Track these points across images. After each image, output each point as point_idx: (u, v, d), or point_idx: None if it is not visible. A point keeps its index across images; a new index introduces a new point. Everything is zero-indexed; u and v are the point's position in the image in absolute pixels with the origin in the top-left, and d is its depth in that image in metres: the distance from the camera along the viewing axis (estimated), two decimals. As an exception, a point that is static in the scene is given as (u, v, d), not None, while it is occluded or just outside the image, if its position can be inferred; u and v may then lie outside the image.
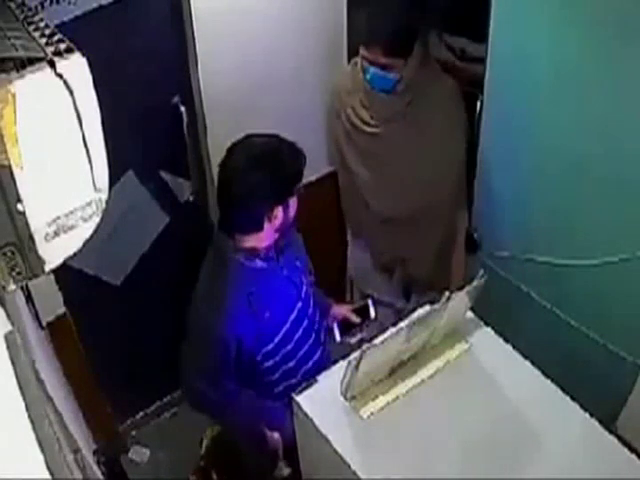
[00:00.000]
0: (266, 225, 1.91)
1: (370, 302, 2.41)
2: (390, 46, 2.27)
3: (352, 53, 2.86)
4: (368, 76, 2.36)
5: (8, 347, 0.94)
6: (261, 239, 1.94)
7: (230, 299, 1.90)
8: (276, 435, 2.13)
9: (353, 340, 2.37)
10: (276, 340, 2.03)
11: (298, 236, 2.18)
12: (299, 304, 2.08)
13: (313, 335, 2.15)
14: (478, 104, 2.43)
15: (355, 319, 2.35)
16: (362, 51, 2.35)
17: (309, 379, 1.89)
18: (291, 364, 2.10)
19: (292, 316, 2.05)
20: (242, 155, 1.89)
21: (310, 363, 2.15)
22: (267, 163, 1.86)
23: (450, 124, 2.47)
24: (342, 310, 2.38)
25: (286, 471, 2.61)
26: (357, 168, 2.62)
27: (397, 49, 2.28)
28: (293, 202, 1.94)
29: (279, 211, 1.90)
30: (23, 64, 0.90)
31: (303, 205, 2.03)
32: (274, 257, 2.00)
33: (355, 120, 2.52)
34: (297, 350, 2.10)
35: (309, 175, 2.33)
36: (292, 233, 2.09)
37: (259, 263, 1.96)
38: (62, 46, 0.94)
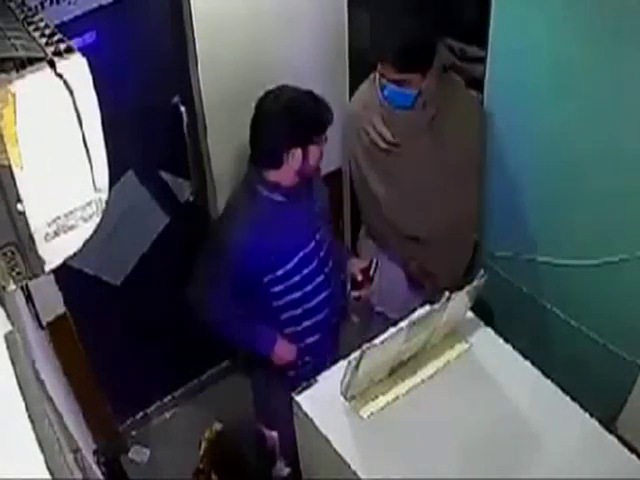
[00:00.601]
0: (285, 164, 2.10)
1: (374, 262, 2.44)
2: (402, 62, 2.22)
3: (353, 53, 2.86)
4: (386, 93, 2.30)
5: (8, 347, 0.94)
6: (282, 176, 2.13)
7: (248, 221, 2.12)
8: (274, 434, 2.13)
9: (354, 294, 2.46)
10: (283, 269, 2.19)
11: (323, 187, 2.35)
12: (312, 244, 2.24)
13: (322, 277, 2.29)
14: None
15: (358, 277, 2.43)
16: (379, 67, 2.29)
17: (312, 317, 2.26)
18: (297, 295, 2.26)
19: (303, 252, 2.22)
20: (270, 97, 2.12)
21: (314, 302, 2.30)
22: (290, 107, 2.08)
23: (475, 138, 2.41)
24: (351, 266, 2.47)
25: (285, 471, 2.61)
26: (378, 187, 2.51)
27: (411, 65, 2.22)
28: (314, 150, 2.11)
29: (297, 153, 2.08)
30: (23, 64, 0.90)
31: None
32: (294, 195, 2.17)
33: (375, 137, 2.41)
34: (304, 285, 2.26)
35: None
36: (316, 181, 2.28)
37: (279, 197, 2.16)
38: (62, 46, 0.94)
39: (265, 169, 2.14)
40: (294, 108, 2.08)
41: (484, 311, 2.31)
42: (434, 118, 2.33)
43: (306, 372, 2.13)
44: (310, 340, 2.37)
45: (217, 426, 2.34)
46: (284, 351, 2.32)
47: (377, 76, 2.33)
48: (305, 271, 2.24)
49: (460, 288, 1.79)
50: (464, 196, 2.46)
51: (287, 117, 2.07)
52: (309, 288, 2.28)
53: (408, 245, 2.59)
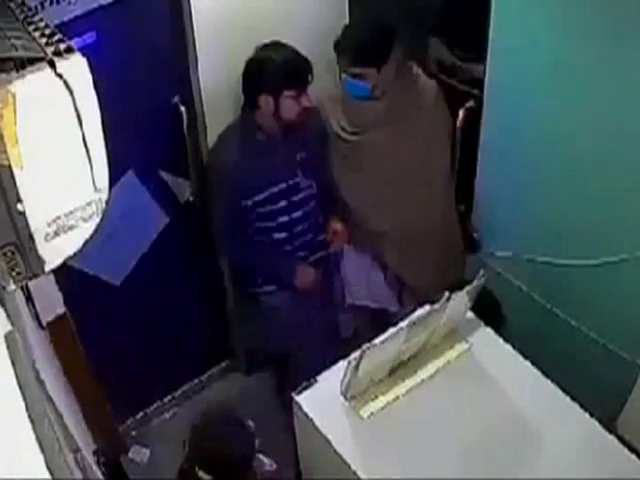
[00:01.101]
0: (259, 108, 2.35)
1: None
2: (357, 56, 2.32)
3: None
4: (345, 85, 2.41)
5: (8, 347, 0.94)
6: (262, 118, 2.38)
7: (232, 143, 2.44)
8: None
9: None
10: (258, 197, 2.45)
11: (318, 143, 2.51)
12: (282, 185, 2.47)
13: (286, 218, 2.52)
14: (460, 113, 2.44)
15: (337, 227, 2.62)
16: (338, 61, 2.40)
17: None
18: (284, 219, 2.52)
19: (272, 190, 2.45)
20: (258, 49, 2.37)
21: (276, 236, 2.54)
22: (262, 57, 2.33)
23: (434, 131, 2.46)
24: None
25: (267, 465, 2.62)
26: (342, 176, 2.57)
27: (366, 59, 2.32)
28: (286, 102, 2.31)
29: (268, 100, 2.31)
30: (23, 64, 0.90)
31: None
32: (274, 139, 2.41)
33: (337, 129, 2.52)
34: (272, 218, 2.51)
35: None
36: (305, 133, 2.45)
37: (261, 136, 2.42)
38: (62, 46, 0.94)
39: (250, 109, 2.38)
40: (265, 59, 2.31)
41: (491, 303, 2.36)
42: (393, 110, 2.41)
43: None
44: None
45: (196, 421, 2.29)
46: (305, 274, 2.58)
47: (338, 69, 2.44)
48: (273, 207, 2.49)
49: (460, 288, 1.79)
50: (428, 191, 2.51)
51: (257, 65, 2.32)
52: (273, 224, 2.53)
53: (374, 238, 2.65)
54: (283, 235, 2.56)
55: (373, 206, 2.56)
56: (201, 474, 1.99)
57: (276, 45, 2.36)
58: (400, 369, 1.83)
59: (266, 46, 2.36)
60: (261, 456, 2.16)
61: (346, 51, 2.35)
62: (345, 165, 2.56)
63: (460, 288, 1.87)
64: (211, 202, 2.57)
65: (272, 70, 2.30)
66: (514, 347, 1.88)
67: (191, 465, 2.02)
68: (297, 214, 2.54)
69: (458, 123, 2.45)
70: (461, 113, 2.43)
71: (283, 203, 2.50)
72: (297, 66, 2.32)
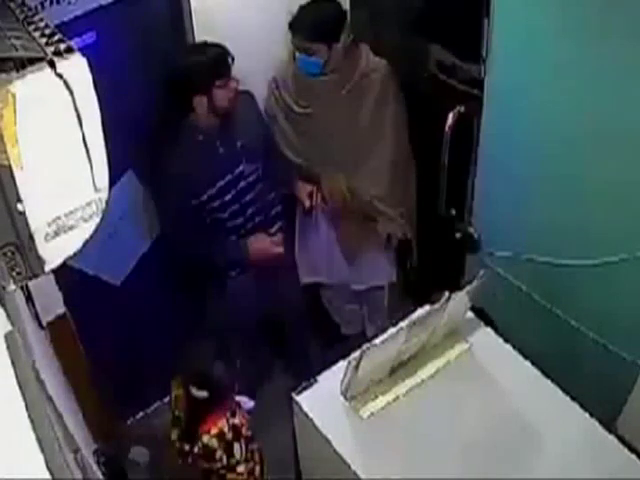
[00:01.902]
0: (195, 109, 2.41)
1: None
2: (311, 33, 2.49)
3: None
4: (298, 62, 2.57)
5: (8, 347, 0.94)
6: (198, 118, 2.44)
7: (179, 155, 2.45)
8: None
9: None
10: (207, 195, 2.52)
11: (254, 126, 2.61)
12: (228, 176, 2.53)
13: (237, 205, 2.59)
14: (450, 117, 2.44)
15: (306, 202, 2.79)
16: (293, 40, 2.55)
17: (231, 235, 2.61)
18: (235, 207, 2.59)
19: (221, 183, 2.53)
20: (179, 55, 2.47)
21: (231, 224, 2.61)
22: (189, 63, 2.38)
23: (380, 107, 2.65)
24: (298, 192, 2.81)
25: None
26: (298, 147, 2.77)
27: (318, 36, 2.49)
28: (218, 93, 2.38)
29: (202, 100, 2.38)
30: (23, 64, 0.90)
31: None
32: (213, 135, 2.48)
33: (290, 102, 2.69)
34: (225, 208, 2.57)
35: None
36: (241, 120, 2.52)
37: (199, 136, 2.47)
38: (62, 46, 0.94)
39: (189, 113, 2.43)
40: (191, 63, 2.37)
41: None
42: (342, 85, 2.60)
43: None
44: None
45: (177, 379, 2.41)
46: (257, 241, 2.64)
47: (292, 47, 2.61)
48: (222, 200, 2.56)
49: (460, 288, 1.79)
50: (363, 162, 2.72)
51: (185, 71, 2.37)
52: (226, 214, 2.59)
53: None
54: (238, 221, 2.63)
55: (325, 167, 2.76)
56: (194, 391, 2.20)
57: (195, 46, 2.45)
58: (400, 369, 1.83)
59: (189, 50, 2.46)
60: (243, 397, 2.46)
61: (300, 28, 2.50)
62: (300, 135, 2.74)
63: None
64: (159, 206, 2.62)
65: (202, 71, 2.36)
66: (514, 347, 1.88)
67: (184, 389, 2.25)
68: (246, 199, 2.61)
69: (447, 127, 2.47)
70: (450, 117, 2.45)
71: (232, 193, 2.56)
72: (220, 59, 2.38)
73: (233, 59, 2.40)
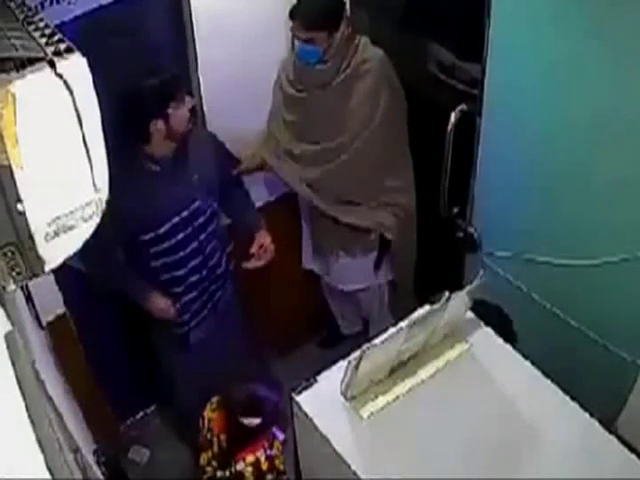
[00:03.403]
0: (151, 137, 2.28)
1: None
2: (311, 21, 2.49)
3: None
4: (296, 49, 2.57)
5: (8, 347, 0.94)
6: (155, 147, 2.32)
7: (128, 187, 2.11)
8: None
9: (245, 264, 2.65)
10: (155, 233, 2.39)
11: (209, 160, 2.49)
12: (185, 213, 2.42)
13: (196, 243, 2.49)
14: (452, 116, 2.44)
15: (252, 248, 2.64)
16: (290, 26, 2.53)
17: (186, 280, 2.51)
18: (171, 258, 2.47)
19: (175, 219, 2.41)
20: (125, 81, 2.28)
21: (189, 266, 2.51)
22: (136, 90, 2.24)
23: (370, 98, 2.64)
24: (259, 237, 2.66)
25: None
26: (286, 126, 2.75)
27: (318, 24, 2.49)
28: (175, 115, 2.26)
29: (158, 124, 2.26)
30: (23, 64, 0.90)
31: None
32: (169, 166, 2.36)
33: (288, 88, 2.69)
34: (178, 249, 2.46)
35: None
36: (196, 153, 2.42)
37: (155, 167, 2.36)
38: (62, 46, 0.94)
39: (143, 144, 2.32)
40: (134, 90, 2.23)
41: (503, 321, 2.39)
42: (337, 74, 2.60)
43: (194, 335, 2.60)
44: (185, 299, 2.57)
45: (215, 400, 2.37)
46: (158, 301, 2.50)
47: (290, 36, 2.58)
48: (179, 237, 2.44)
49: (460, 288, 1.79)
50: (364, 159, 2.70)
51: (132, 99, 2.24)
52: (182, 254, 2.48)
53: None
54: (198, 260, 2.53)
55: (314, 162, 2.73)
56: (245, 419, 2.14)
57: (146, 70, 2.30)
58: (400, 369, 1.83)
59: (139, 74, 2.29)
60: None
61: (301, 16, 2.48)
62: (288, 114, 2.73)
63: None
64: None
65: (157, 94, 2.24)
66: (514, 347, 1.88)
67: (228, 413, 2.20)
68: (202, 236, 2.51)
69: (449, 126, 2.47)
70: (453, 116, 2.45)
71: (188, 230, 2.46)
72: (173, 79, 2.27)
73: (181, 80, 2.34)
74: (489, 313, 2.09)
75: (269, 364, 3.16)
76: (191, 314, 2.61)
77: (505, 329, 2.35)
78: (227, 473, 2.22)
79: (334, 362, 1.85)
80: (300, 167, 2.76)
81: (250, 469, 2.18)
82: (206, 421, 2.31)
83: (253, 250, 2.63)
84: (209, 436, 2.30)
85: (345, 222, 2.81)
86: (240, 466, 2.18)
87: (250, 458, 2.18)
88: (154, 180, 2.35)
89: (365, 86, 2.63)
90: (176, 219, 2.41)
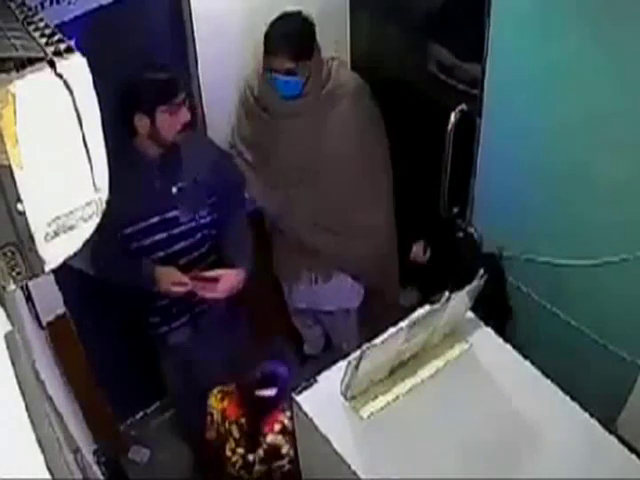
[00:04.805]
0: (138, 131, 2.25)
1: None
2: (295, 50, 2.40)
3: (355, 55, 2.86)
4: (277, 85, 2.45)
5: (8, 347, 0.94)
6: (141, 144, 2.29)
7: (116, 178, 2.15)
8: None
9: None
10: (131, 229, 2.36)
11: (204, 173, 2.40)
12: (156, 219, 2.37)
13: (162, 254, 2.43)
14: (452, 116, 2.45)
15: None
16: (268, 62, 2.43)
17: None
18: (160, 254, 2.43)
19: (147, 223, 2.37)
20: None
21: (182, 260, 2.44)
22: (131, 79, 2.22)
23: (359, 127, 2.58)
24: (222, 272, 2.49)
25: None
26: (254, 161, 2.66)
27: (302, 52, 2.42)
28: (162, 118, 2.22)
29: (143, 120, 2.22)
30: (23, 64, 0.90)
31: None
32: (153, 169, 2.33)
33: (259, 112, 2.59)
34: (150, 251, 2.41)
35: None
36: (181, 160, 2.35)
37: (140, 162, 2.31)
38: (62, 46, 0.94)
39: (133, 138, 2.28)
40: (132, 79, 2.21)
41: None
42: (317, 102, 2.51)
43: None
44: (157, 303, 2.52)
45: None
46: (165, 273, 2.40)
47: (263, 71, 2.48)
48: (155, 238, 2.40)
49: (460, 288, 1.79)
50: (336, 188, 2.61)
51: (125, 86, 2.21)
52: (154, 257, 2.43)
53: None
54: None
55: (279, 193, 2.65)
56: (261, 392, 2.13)
57: (148, 66, 2.27)
58: (400, 369, 1.83)
59: (141, 68, 2.27)
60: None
61: (283, 48, 2.39)
62: (258, 138, 2.62)
63: None
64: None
65: (146, 89, 2.21)
66: (514, 347, 1.88)
67: (241, 394, 2.19)
68: (177, 247, 2.45)
69: (449, 126, 2.47)
70: (453, 116, 2.45)
71: (162, 236, 2.41)
72: (169, 83, 2.23)
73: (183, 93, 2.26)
74: (484, 263, 2.08)
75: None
76: (162, 318, 2.56)
77: (497, 277, 2.41)
78: (260, 452, 2.19)
79: (333, 362, 1.85)
80: (267, 188, 2.68)
81: (280, 436, 2.16)
82: (216, 414, 2.29)
83: (212, 275, 2.46)
84: (226, 426, 2.27)
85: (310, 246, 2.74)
86: (270, 438, 2.16)
87: (277, 426, 2.16)
88: (139, 175, 2.29)
89: (340, 111, 2.55)
90: (153, 220, 2.38)
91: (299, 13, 2.44)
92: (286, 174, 2.63)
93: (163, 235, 2.42)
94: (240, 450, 2.26)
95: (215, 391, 2.32)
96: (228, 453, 2.28)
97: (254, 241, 2.59)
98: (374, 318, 3.00)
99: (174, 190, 2.37)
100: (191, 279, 2.41)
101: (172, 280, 2.39)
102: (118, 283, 2.43)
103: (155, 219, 2.38)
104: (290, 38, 2.41)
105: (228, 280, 2.46)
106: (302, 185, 2.62)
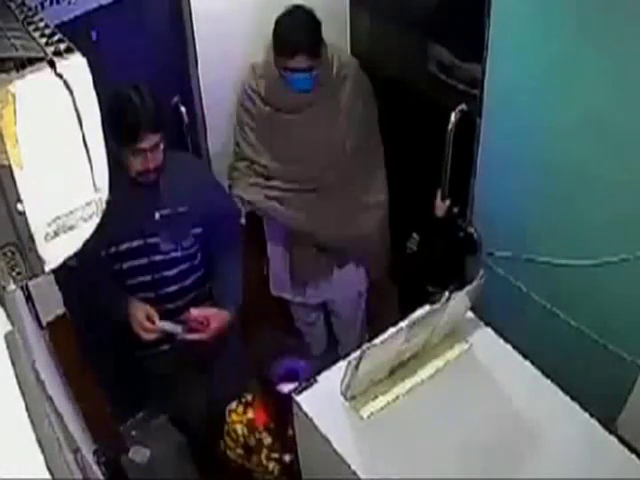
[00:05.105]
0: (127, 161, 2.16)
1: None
2: (315, 48, 2.44)
3: (355, 54, 2.86)
4: (294, 83, 2.48)
5: (8, 347, 0.94)
6: (130, 168, 2.20)
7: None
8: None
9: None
10: (108, 251, 2.31)
11: (190, 200, 2.33)
12: (138, 242, 2.32)
13: (149, 277, 2.38)
14: (452, 116, 2.45)
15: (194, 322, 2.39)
16: (283, 62, 2.44)
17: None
18: (128, 282, 2.37)
19: (127, 245, 2.31)
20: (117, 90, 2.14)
21: (139, 297, 2.37)
22: (111, 108, 2.01)
23: (360, 115, 2.63)
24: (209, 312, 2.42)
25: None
26: (262, 152, 2.65)
27: (319, 49, 2.46)
28: (128, 157, 2.14)
29: (114, 149, 2.04)
30: (23, 64, 0.90)
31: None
32: (139, 189, 2.24)
33: (269, 112, 2.59)
34: (127, 277, 2.37)
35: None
36: (167, 188, 2.28)
37: (122, 185, 2.11)
38: (62, 46, 0.94)
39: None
40: (114, 111, 2.05)
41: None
42: (326, 88, 2.55)
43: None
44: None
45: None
46: (137, 312, 2.32)
47: (278, 71, 2.48)
48: (135, 263, 2.35)
49: (460, 288, 1.79)
50: (345, 170, 2.65)
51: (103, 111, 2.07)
52: (133, 282, 2.38)
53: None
54: (149, 295, 2.40)
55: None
56: (286, 388, 2.02)
57: (117, 88, 2.14)
58: (400, 369, 1.83)
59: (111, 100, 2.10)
60: None
61: (303, 48, 2.40)
62: (268, 140, 2.63)
63: None
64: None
65: (111, 134, 2.08)
66: (514, 347, 1.88)
67: (273, 396, 2.10)
68: (162, 274, 2.40)
69: (450, 125, 2.47)
70: (453, 116, 2.45)
71: (143, 261, 2.36)
72: (130, 115, 2.11)
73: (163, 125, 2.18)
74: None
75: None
76: (144, 345, 2.45)
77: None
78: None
79: (334, 362, 1.85)
80: (280, 192, 2.67)
81: None
82: (240, 429, 2.22)
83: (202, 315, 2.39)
84: (256, 436, 2.21)
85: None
86: None
87: None
88: (117, 196, 2.21)
89: (347, 91, 2.60)
90: (135, 243, 2.32)
91: (303, 8, 2.45)
92: (304, 172, 2.64)
93: (144, 260, 2.36)
94: (275, 455, 2.22)
95: (233, 406, 2.26)
96: (264, 462, 2.23)
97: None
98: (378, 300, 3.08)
99: (157, 216, 2.31)
100: (175, 321, 2.35)
101: (142, 325, 2.32)
102: (97, 303, 2.38)
103: (137, 242, 2.33)
104: (306, 37, 2.43)
105: (218, 320, 2.39)
106: (319, 185, 2.65)
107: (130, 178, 2.22)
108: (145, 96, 2.11)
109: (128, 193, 2.16)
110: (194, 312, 2.39)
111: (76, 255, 1.08)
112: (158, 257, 2.37)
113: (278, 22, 2.43)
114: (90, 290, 2.35)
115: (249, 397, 2.27)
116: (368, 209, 2.76)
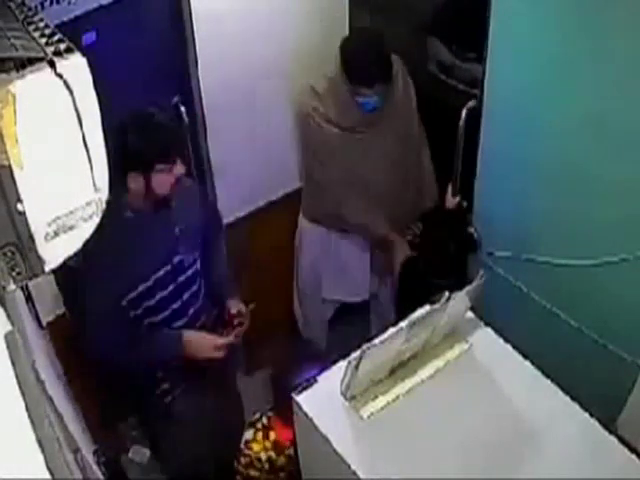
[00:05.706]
0: (131, 189, 2.08)
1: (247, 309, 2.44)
2: (389, 75, 2.50)
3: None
4: (368, 107, 2.53)
5: (8, 347, 0.94)
6: (132, 200, 2.12)
7: (102, 240, 1.97)
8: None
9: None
10: (136, 292, 2.19)
11: (195, 207, 2.33)
12: (167, 267, 2.23)
13: (179, 303, 2.30)
14: (463, 113, 2.45)
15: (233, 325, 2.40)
16: (359, 91, 2.48)
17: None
18: (155, 319, 2.27)
19: (157, 275, 2.21)
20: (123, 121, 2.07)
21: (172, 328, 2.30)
22: (120, 134, 2.00)
23: (411, 123, 2.71)
24: (230, 305, 2.43)
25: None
26: (338, 172, 2.70)
27: (392, 73, 2.51)
28: (158, 176, 2.06)
29: (138, 179, 2.05)
30: (23, 64, 0.90)
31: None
32: (147, 216, 2.16)
33: (326, 126, 2.63)
34: (159, 310, 2.27)
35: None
36: (180, 201, 2.21)
37: (129, 213, 2.13)
38: (62, 46, 0.94)
39: (119, 189, 2.06)
40: (123, 137, 2.00)
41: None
42: (395, 98, 2.62)
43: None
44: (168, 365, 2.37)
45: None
46: (195, 339, 2.28)
47: (351, 95, 2.52)
48: (159, 295, 2.24)
49: (460, 288, 1.79)
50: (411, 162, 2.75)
51: (116, 141, 1.88)
52: (166, 314, 2.29)
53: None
54: (182, 322, 2.33)
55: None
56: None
57: (148, 120, 2.09)
58: (400, 369, 1.83)
59: (140, 122, 2.08)
60: None
61: (382, 77, 2.47)
62: (343, 160, 2.67)
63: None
64: (80, 304, 2.18)
65: (143, 151, 2.04)
66: (514, 347, 1.88)
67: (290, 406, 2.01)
68: (187, 295, 2.33)
69: (460, 123, 2.46)
70: (463, 113, 2.44)
71: (170, 288, 2.26)
72: (170, 140, 2.09)
73: (180, 142, 2.20)
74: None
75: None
76: (172, 382, 2.40)
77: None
78: None
79: (334, 362, 1.85)
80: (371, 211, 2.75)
81: None
82: (264, 455, 2.20)
83: (232, 315, 2.41)
84: (285, 453, 2.19)
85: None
86: None
87: None
88: (130, 231, 2.12)
89: (405, 89, 2.65)
90: (161, 272, 2.23)
91: (369, 31, 2.57)
92: (393, 181, 2.73)
93: (171, 287, 2.27)
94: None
95: (250, 436, 2.22)
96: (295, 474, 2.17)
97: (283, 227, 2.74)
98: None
99: (177, 231, 2.25)
100: (227, 333, 2.35)
101: (215, 344, 2.28)
102: (128, 364, 2.27)
103: (164, 269, 2.23)
104: (384, 67, 2.48)
105: (245, 309, 2.43)
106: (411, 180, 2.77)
107: (135, 209, 2.14)
108: (169, 116, 2.16)
109: (137, 229, 2.13)
110: (232, 308, 2.42)
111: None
112: (181, 277, 2.30)
113: (350, 51, 2.48)
114: (121, 355, 2.25)
115: (264, 420, 2.24)
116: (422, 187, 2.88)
